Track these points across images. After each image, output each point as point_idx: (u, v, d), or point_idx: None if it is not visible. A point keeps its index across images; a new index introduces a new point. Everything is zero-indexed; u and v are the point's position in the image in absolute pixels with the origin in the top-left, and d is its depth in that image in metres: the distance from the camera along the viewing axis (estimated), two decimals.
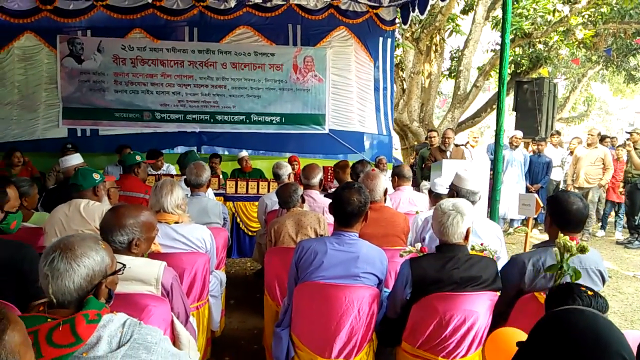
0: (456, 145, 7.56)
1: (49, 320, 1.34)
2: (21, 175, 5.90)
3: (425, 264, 2.38)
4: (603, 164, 7.54)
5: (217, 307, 3.34)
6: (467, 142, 8.01)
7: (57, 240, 1.49)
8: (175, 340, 2.09)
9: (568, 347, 1.03)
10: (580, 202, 2.48)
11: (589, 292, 1.74)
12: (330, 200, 2.58)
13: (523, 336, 1.68)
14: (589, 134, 7.86)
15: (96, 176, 3.26)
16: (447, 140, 7.37)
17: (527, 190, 7.88)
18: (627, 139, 7.67)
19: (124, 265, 1.63)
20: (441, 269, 2.33)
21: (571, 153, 8.36)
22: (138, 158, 4.60)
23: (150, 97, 7.73)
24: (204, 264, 2.91)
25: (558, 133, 9.49)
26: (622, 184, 7.76)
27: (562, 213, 2.47)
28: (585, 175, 7.60)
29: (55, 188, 4.58)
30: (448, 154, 7.26)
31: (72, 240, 1.48)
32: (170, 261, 2.33)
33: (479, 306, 2.30)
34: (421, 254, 2.54)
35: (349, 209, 2.43)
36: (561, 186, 8.44)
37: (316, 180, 4.33)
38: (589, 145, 7.73)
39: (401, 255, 2.70)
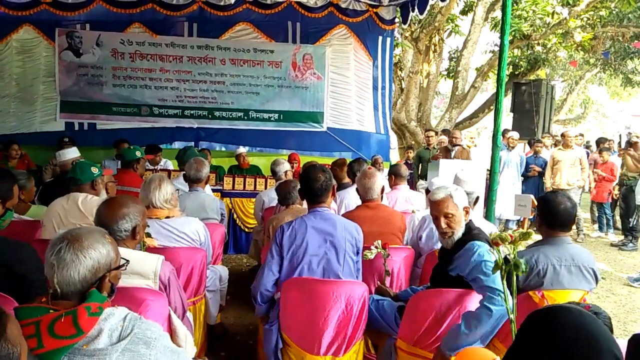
0: (461, 147, 7.56)
1: (51, 311, 1.35)
2: (18, 168, 5.90)
3: None
4: (580, 164, 7.54)
5: (214, 301, 3.35)
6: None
7: (64, 232, 1.50)
8: (172, 335, 2.10)
9: (560, 347, 0.99)
10: (568, 202, 2.57)
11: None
12: None
13: (491, 356, 1.68)
14: (571, 136, 7.76)
15: (94, 170, 3.26)
16: (454, 140, 7.43)
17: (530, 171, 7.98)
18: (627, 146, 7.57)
19: (128, 261, 1.65)
20: None
21: None
22: (138, 154, 4.58)
23: (149, 92, 7.71)
24: (201, 259, 2.91)
25: (550, 135, 9.49)
26: (617, 187, 7.79)
27: (550, 213, 2.56)
28: (566, 177, 7.56)
29: (52, 181, 4.57)
30: (453, 153, 7.29)
31: (79, 232, 1.50)
32: (167, 256, 2.33)
33: (472, 302, 2.33)
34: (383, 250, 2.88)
35: (317, 185, 2.63)
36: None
37: None
38: (567, 146, 7.64)
39: (366, 257, 2.83)
